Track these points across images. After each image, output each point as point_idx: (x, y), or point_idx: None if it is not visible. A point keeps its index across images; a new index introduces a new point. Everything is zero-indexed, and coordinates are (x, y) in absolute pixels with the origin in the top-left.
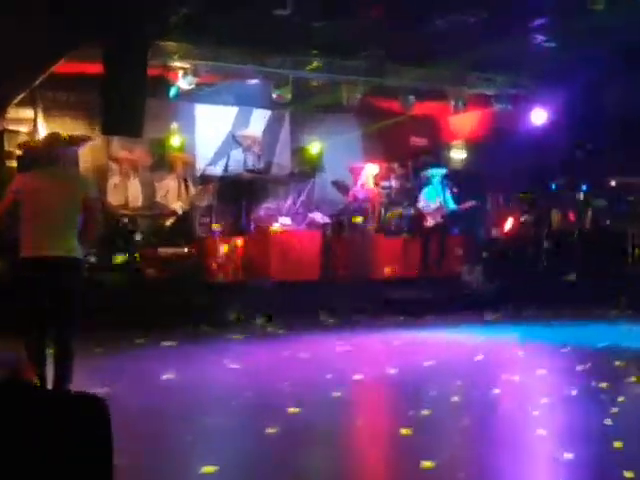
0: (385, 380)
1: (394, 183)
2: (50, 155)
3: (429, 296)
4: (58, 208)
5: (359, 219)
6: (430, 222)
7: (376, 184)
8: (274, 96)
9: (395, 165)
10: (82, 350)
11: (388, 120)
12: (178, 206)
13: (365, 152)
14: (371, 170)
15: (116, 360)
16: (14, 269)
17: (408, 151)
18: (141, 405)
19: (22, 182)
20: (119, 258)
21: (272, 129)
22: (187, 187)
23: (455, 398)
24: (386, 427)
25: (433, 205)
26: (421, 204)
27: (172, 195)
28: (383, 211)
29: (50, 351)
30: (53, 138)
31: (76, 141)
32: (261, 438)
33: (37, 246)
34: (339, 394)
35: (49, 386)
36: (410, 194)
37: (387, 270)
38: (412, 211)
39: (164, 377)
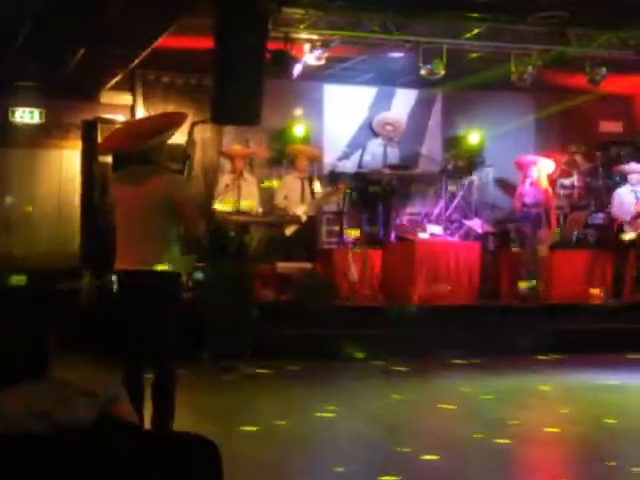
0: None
1: (577, 181)
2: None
3: (625, 328)
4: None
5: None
6: (628, 233)
7: (551, 183)
8: (423, 72)
9: (579, 158)
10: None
11: (571, 100)
12: (301, 211)
13: (540, 142)
14: (544, 165)
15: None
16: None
17: (597, 139)
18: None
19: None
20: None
21: (419, 114)
22: (312, 188)
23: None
24: None
25: (631, 212)
26: (615, 209)
27: (294, 198)
28: (562, 218)
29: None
30: (134, 126)
31: (166, 126)
32: None
33: (122, 259)
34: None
35: (147, 424)
36: (599, 195)
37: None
38: (602, 218)
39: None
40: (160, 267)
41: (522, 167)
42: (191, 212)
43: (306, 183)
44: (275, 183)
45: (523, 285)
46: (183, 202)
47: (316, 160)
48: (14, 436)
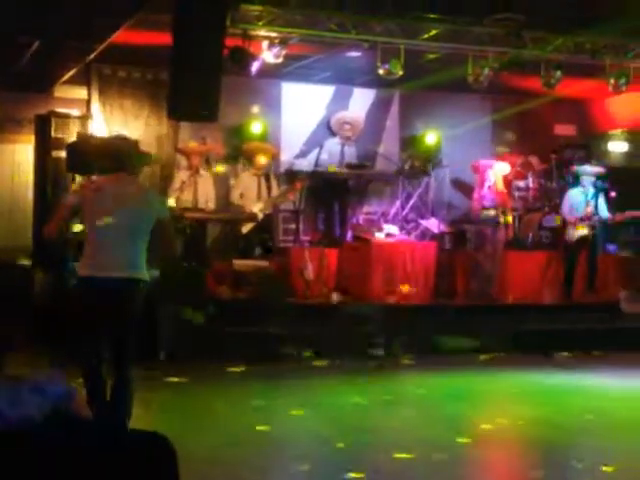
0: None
1: (532, 183)
2: (118, 159)
3: (574, 329)
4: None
5: (509, 218)
6: (575, 235)
7: (507, 185)
8: (380, 72)
9: (534, 160)
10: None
11: (526, 103)
12: (258, 209)
13: (496, 143)
14: (500, 169)
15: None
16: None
17: (551, 142)
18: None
19: (86, 190)
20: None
21: (377, 113)
22: (269, 186)
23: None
24: None
25: (580, 213)
26: (565, 211)
27: (250, 195)
28: (517, 219)
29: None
30: (122, 140)
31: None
32: None
33: (96, 265)
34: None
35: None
36: (553, 197)
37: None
38: (554, 220)
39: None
40: (133, 275)
41: (479, 171)
42: (170, 233)
43: (263, 180)
44: (222, 168)
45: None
46: (166, 223)
47: (273, 158)
48: None
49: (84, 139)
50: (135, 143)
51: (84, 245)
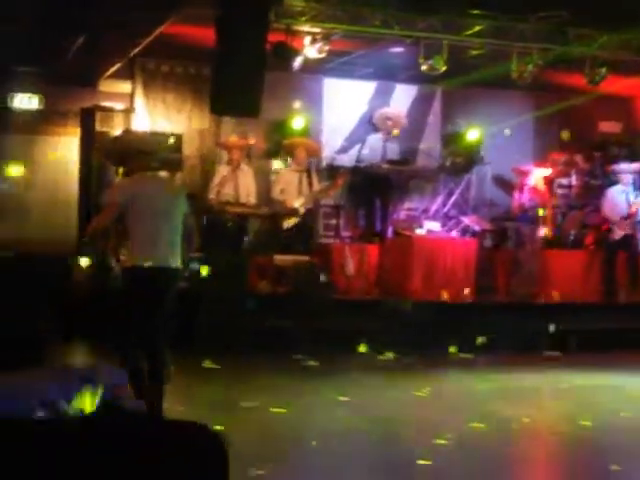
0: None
1: (575, 180)
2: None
3: (615, 328)
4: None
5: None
6: (617, 234)
7: (548, 183)
8: (423, 68)
9: (578, 157)
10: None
11: (570, 100)
12: (298, 204)
13: (538, 140)
14: (541, 173)
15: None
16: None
17: (595, 140)
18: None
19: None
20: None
21: (419, 109)
22: (310, 181)
23: None
24: None
25: (623, 212)
26: (606, 209)
27: (291, 191)
28: (560, 217)
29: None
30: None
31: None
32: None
33: (152, 256)
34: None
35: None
36: (596, 195)
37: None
38: (596, 218)
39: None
40: (178, 265)
41: (520, 174)
42: (192, 227)
43: (304, 176)
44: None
45: None
46: (189, 217)
47: (315, 153)
48: (17, 421)
49: (128, 133)
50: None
51: (132, 238)
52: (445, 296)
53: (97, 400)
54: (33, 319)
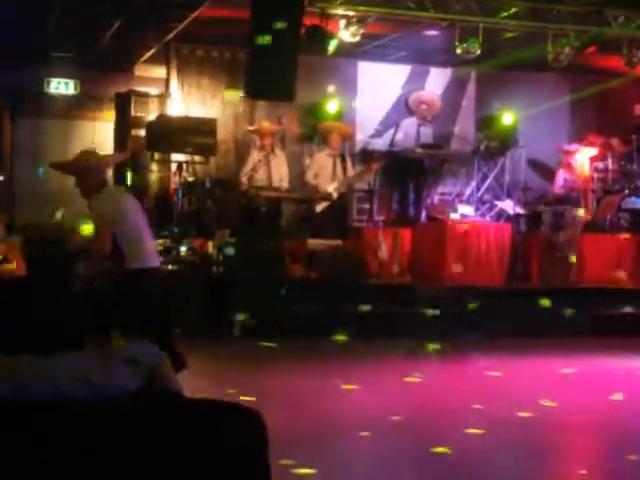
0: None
1: (612, 164)
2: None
3: None
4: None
5: (580, 212)
6: None
7: (592, 168)
8: (459, 51)
9: (614, 141)
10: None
11: (607, 82)
12: (332, 189)
13: (575, 124)
14: (587, 153)
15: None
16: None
17: (632, 122)
18: None
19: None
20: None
21: (453, 93)
22: (344, 166)
23: None
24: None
25: None
26: None
27: (325, 175)
28: (596, 201)
29: None
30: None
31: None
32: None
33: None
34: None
35: None
36: (633, 179)
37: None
38: (637, 202)
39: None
40: None
41: (566, 154)
42: None
43: (338, 160)
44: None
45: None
46: None
47: (349, 138)
48: (58, 401)
49: (163, 118)
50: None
51: (126, 245)
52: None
53: (139, 381)
54: (75, 304)
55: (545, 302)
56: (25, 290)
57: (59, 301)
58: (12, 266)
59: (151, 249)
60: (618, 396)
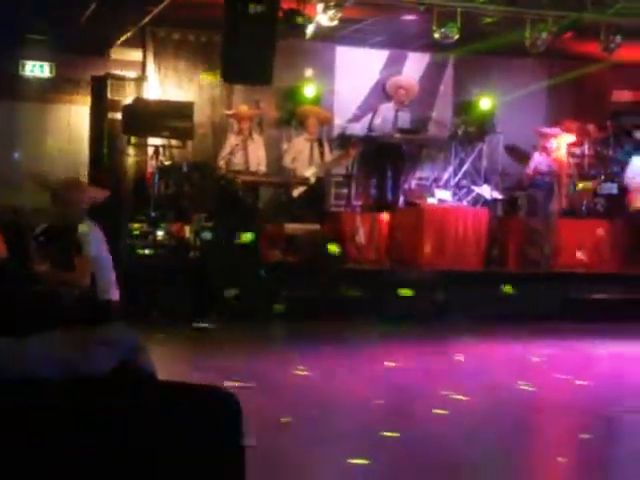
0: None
1: (588, 150)
2: None
3: (634, 298)
4: None
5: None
6: (638, 203)
7: (568, 153)
8: (437, 35)
9: (591, 127)
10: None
11: (584, 68)
12: (310, 173)
13: (552, 109)
14: (566, 138)
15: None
16: None
17: (609, 108)
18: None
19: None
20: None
21: (431, 78)
22: (322, 150)
23: None
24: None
25: None
26: (628, 179)
27: (303, 159)
28: (572, 186)
29: None
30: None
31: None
32: None
33: None
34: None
35: None
36: (609, 164)
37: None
38: (612, 188)
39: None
40: None
41: (543, 137)
42: None
43: (315, 145)
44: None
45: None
46: None
47: (326, 122)
48: (31, 381)
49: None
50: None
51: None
52: None
53: (113, 362)
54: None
55: (508, 289)
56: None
57: (35, 284)
58: None
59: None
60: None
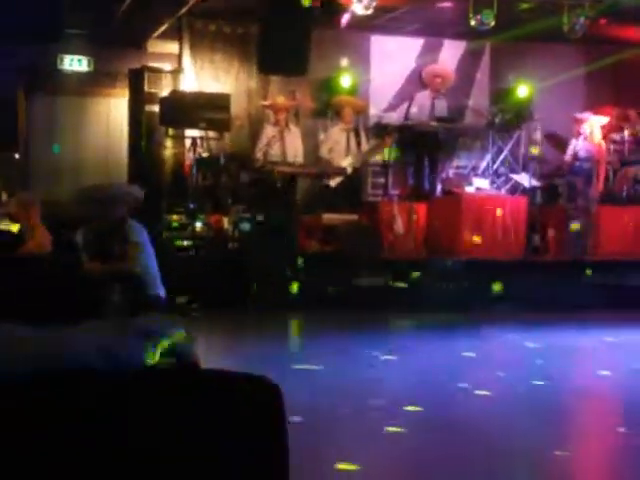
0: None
1: (628, 136)
2: None
3: None
4: None
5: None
6: None
7: (604, 138)
8: (473, 22)
9: (631, 112)
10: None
11: (622, 53)
12: (347, 163)
13: (590, 96)
14: (598, 121)
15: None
16: None
17: None
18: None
19: None
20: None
21: (467, 65)
22: (358, 140)
23: None
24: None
25: None
26: None
27: (339, 150)
28: (612, 173)
29: None
30: None
31: None
32: None
33: None
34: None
35: None
36: None
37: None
38: None
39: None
40: None
41: (577, 123)
42: None
43: (352, 135)
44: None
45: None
46: None
47: (362, 111)
48: (76, 370)
49: (177, 94)
50: None
51: None
52: None
53: (158, 353)
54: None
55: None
56: (45, 263)
57: (78, 273)
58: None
59: None
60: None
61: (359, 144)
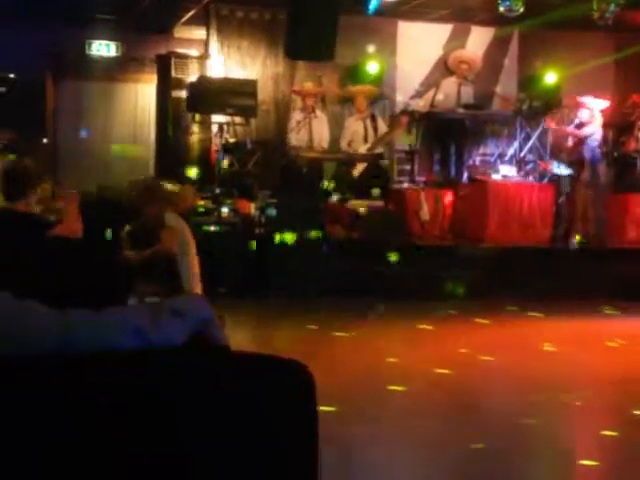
0: None
1: None
2: None
3: None
4: None
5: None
6: None
7: (631, 128)
8: (501, 9)
9: None
10: None
11: None
12: (365, 149)
13: (619, 83)
14: (598, 105)
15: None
16: None
17: None
18: None
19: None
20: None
21: (495, 52)
22: (375, 126)
23: None
24: None
25: None
26: None
27: (358, 140)
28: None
29: None
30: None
31: None
32: None
33: None
34: None
35: None
36: None
37: None
38: None
39: None
40: None
41: (577, 106)
42: None
43: (368, 122)
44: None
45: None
46: None
47: (375, 96)
48: (106, 352)
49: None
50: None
51: None
52: None
53: (187, 333)
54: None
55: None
56: (82, 247)
57: (112, 259)
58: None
59: None
60: None
61: (376, 130)
